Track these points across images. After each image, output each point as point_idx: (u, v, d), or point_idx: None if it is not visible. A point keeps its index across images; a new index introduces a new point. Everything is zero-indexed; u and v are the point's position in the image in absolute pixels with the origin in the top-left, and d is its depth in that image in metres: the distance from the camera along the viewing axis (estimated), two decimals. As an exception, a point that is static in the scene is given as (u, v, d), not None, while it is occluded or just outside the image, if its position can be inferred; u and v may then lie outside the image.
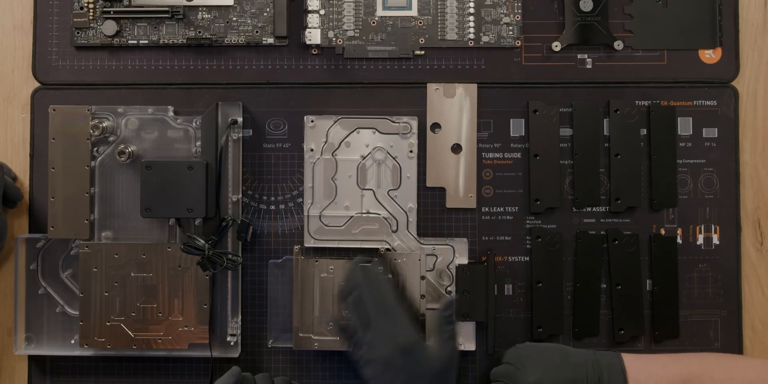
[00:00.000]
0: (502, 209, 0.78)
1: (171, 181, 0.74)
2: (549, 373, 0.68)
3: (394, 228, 0.76)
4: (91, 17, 0.78)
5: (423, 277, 0.75)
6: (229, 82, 0.78)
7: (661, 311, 0.77)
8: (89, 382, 0.78)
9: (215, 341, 0.76)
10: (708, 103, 0.78)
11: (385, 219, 0.76)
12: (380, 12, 0.78)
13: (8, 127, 0.79)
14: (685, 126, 0.78)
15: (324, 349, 0.76)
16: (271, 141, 0.78)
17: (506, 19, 0.78)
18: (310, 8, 0.77)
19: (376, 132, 0.77)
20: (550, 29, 0.78)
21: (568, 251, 0.77)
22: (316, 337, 0.75)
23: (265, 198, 0.78)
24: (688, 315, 0.77)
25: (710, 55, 0.78)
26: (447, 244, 0.76)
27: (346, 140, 0.77)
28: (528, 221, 0.78)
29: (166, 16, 0.77)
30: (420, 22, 0.78)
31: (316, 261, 0.76)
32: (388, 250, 0.75)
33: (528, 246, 0.77)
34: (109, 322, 0.75)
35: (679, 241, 0.77)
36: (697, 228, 0.78)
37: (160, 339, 0.75)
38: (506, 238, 0.78)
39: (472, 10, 0.78)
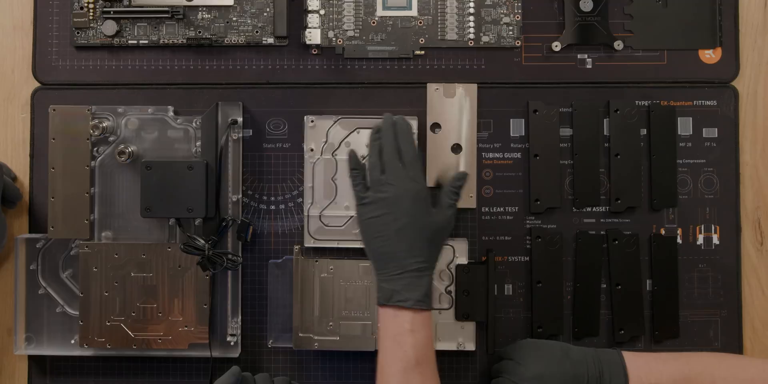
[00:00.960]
0: (502, 209, 0.78)
1: (171, 181, 0.74)
2: (550, 368, 0.68)
3: (394, 228, 0.76)
4: (91, 17, 0.78)
5: (423, 277, 0.75)
6: (229, 82, 0.78)
7: (661, 311, 0.77)
8: (89, 382, 0.78)
9: (215, 341, 0.76)
10: (708, 103, 0.78)
11: (385, 219, 0.76)
12: (380, 12, 0.78)
13: (8, 127, 0.79)
14: (685, 126, 0.78)
15: (324, 349, 0.76)
16: (271, 141, 0.78)
17: (506, 19, 0.78)
18: (310, 8, 0.77)
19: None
20: (550, 29, 0.78)
21: (568, 251, 0.77)
22: (316, 337, 0.75)
23: (265, 198, 0.78)
24: (688, 315, 0.77)
25: (710, 55, 0.78)
26: (447, 244, 0.76)
27: (346, 140, 0.77)
28: (528, 221, 0.78)
29: (166, 16, 0.77)
30: (420, 22, 0.78)
31: (316, 261, 0.76)
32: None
33: (528, 246, 0.77)
34: (109, 322, 0.75)
35: (679, 241, 0.77)
36: (697, 228, 0.78)
37: (160, 339, 0.75)
38: (506, 238, 0.78)
39: (472, 10, 0.78)
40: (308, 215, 0.77)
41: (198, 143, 0.76)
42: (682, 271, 0.77)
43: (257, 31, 0.78)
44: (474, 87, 0.78)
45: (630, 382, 0.67)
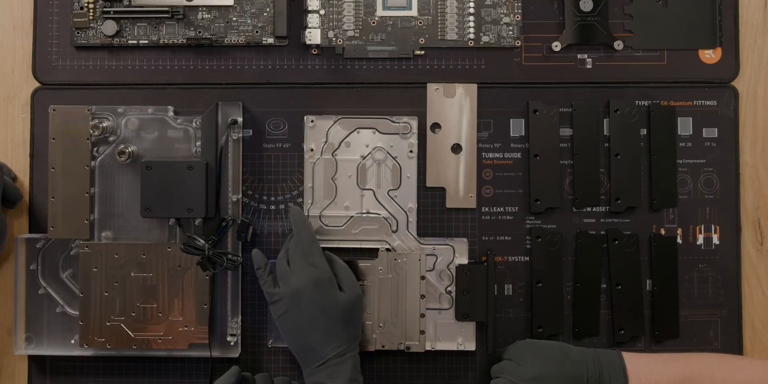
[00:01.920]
0: (502, 209, 0.78)
1: (171, 181, 0.74)
2: (549, 368, 0.68)
3: (394, 228, 0.76)
4: (91, 17, 0.78)
5: (423, 277, 0.75)
6: (229, 82, 0.78)
7: (661, 311, 0.77)
8: (89, 382, 0.78)
9: (215, 341, 0.76)
10: (708, 103, 0.78)
11: (385, 219, 0.76)
12: (380, 12, 0.78)
13: (8, 127, 0.79)
14: (685, 126, 0.78)
15: (324, 349, 0.75)
16: (271, 141, 0.78)
17: (506, 19, 0.78)
18: (310, 8, 0.77)
19: (376, 132, 0.77)
20: (550, 29, 0.78)
21: (568, 251, 0.77)
22: (316, 337, 0.75)
23: (265, 198, 0.78)
24: (688, 315, 0.77)
25: (710, 55, 0.78)
26: (447, 244, 0.76)
27: (346, 140, 0.77)
28: (528, 221, 0.78)
29: (166, 16, 0.77)
30: (420, 22, 0.78)
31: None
32: (388, 249, 0.75)
33: (528, 246, 0.77)
34: (109, 322, 0.75)
35: (679, 241, 0.77)
36: (697, 228, 0.78)
37: (160, 339, 0.75)
38: (506, 238, 0.78)
39: (472, 10, 0.78)
40: (308, 215, 0.77)
41: (198, 143, 0.76)
42: (682, 271, 0.77)
43: (257, 31, 0.78)
44: (474, 87, 0.78)
45: (630, 383, 0.67)
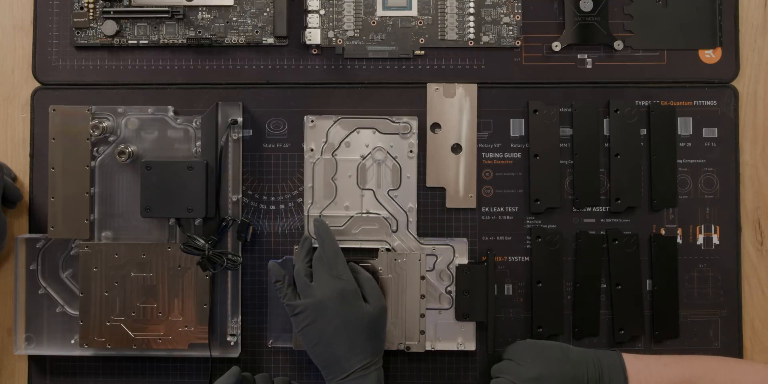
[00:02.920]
0: (502, 209, 0.78)
1: (171, 181, 0.74)
2: (549, 368, 0.68)
3: (394, 228, 0.76)
4: (91, 17, 0.78)
5: (423, 277, 0.75)
6: (229, 82, 0.78)
7: (661, 311, 0.77)
8: (89, 382, 0.78)
9: (215, 341, 0.76)
10: (708, 103, 0.78)
11: (385, 219, 0.76)
12: (380, 12, 0.78)
13: (8, 127, 0.79)
14: (685, 126, 0.78)
15: (324, 349, 0.75)
16: (271, 141, 0.78)
17: (506, 19, 0.78)
18: (310, 8, 0.77)
19: (376, 132, 0.77)
20: (550, 29, 0.78)
21: (568, 251, 0.77)
22: (316, 337, 0.75)
23: (265, 198, 0.78)
24: (688, 315, 0.77)
25: (710, 55, 0.78)
26: (447, 244, 0.76)
27: (346, 140, 0.77)
28: (528, 221, 0.78)
29: (166, 16, 0.77)
30: (420, 22, 0.78)
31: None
32: (388, 249, 0.75)
33: (528, 246, 0.77)
34: (109, 322, 0.75)
35: (679, 241, 0.77)
36: (697, 228, 0.78)
37: (160, 339, 0.75)
38: (506, 238, 0.78)
39: (472, 10, 0.78)
40: (308, 215, 0.77)
41: (198, 143, 0.76)
42: (682, 271, 0.77)
43: (257, 31, 0.78)
44: (474, 87, 0.78)
45: None
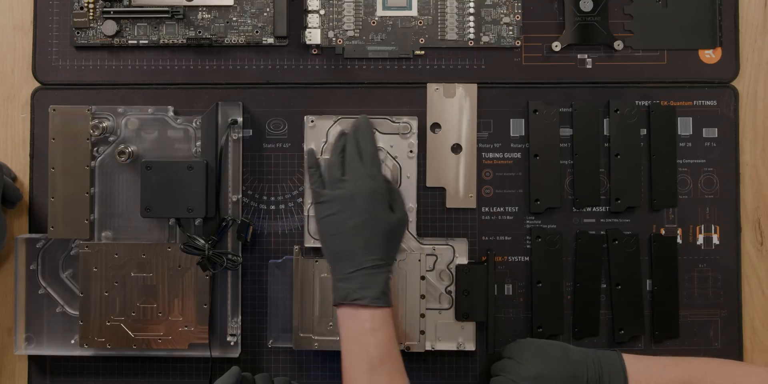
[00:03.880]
0: (502, 209, 0.78)
1: (171, 181, 0.74)
2: (549, 367, 0.68)
3: (394, 228, 0.76)
4: (91, 17, 0.78)
5: (423, 277, 0.75)
6: (229, 82, 0.78)
7: (661, 311, 0.77)
8: (89, 382, 0.78)
9: (215, 341, 0.76)
10: (708, 103, 0.78)
11: (385, 219, 0.76)
12: (380, 12, 0.78)
13: (8, 127, 0.79)
14: (685, 126, 0.78)
15: (324, 349, 0.75)
16: (271, 141, 0.78)
17: (506, 19, 0.78)
18: (310, 8, 0.77)
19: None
20: (550, 29, 0.78)
21: (568, 251, 0.77)
22: (316, 337, 0.75)
23: (265, 198, 0.78)
24: (688, 315, 0.77)
25: (710, 55, 0.78)
26: (447, 244, 0.76)
27: (346, 140, 0.77)
28: (528, 221, 0.78)
29: (166, 16, 0.77)
30: (420, 22, 0.78)
31: (316, 261, 0.76)
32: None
33: (528, 246, 0.77)
34: (109, 322, 0.75)
35: (679, 241, 0.77)
36: (697, 228, 0.78)
37: (160, 339, 0.75)
38: (506, 238, 0.78)
39: (472, 10, 0.78)
40: (308, 215, 0.77)
41: (198, 143, 0.76)
42: (682, 271, 0.77)
43: (257, 31, 0.78)
44: (474, 87, 0.78)
45: (629, 384, 0.67)
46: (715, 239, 0.78)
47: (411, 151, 0.77)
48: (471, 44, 0.78)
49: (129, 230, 0.77)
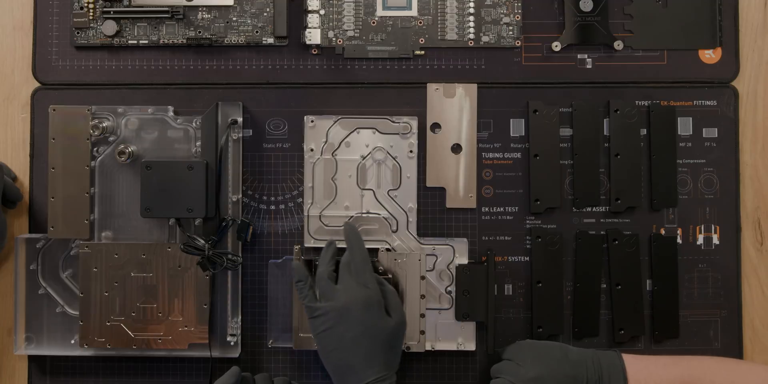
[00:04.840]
0: (502, 209, 0.78)
1: (171, 181, 0.74)
2: (549, 369, 0.68)
3: (394, 228, 0.76)
4: (91, 17, 0.78)
5: (423, 277, 0.75)
6: (229, 82, 0.78)
7: (661, 311, 0.77)
8: (89, 382, 0.78)
9: (215, 341, 0.76)
10: (708, 103, 0.78)
11: (385, 219, 0.76)
12: (380, 12, 0.78)
13: (8, 127, 0.79)
14: (685, 126, 0.78)
15: (324, 349, 0.75)
16: (271, 141, 0.78)
17: (506, 19, 0.78)
18: (310, 8, 0.77)
19: (376, 132, 0.77)
20: (550, 29, 0.78)
21: (568, 251, 0.77)
22: (316, 337, 0.75)
23: (265, 198, 0.78)
24: (688, 315, 0.77)
25: (710, 55, 0.78)
26: (447, 244, 0.76)
27: (346, 140, 0.77)
28: (528, 221, 0.78)
29: (166, 16, 0.77)
30: (420, 22, 0.78)
31: (316, 261, 0.76)
32: (388, 249, 0.75)
33: (528, 246, 0.77)
34: (109, 322, 0.75)
35: (679, 241, 0.77)
36: (697, 228, 0.78)
37: (160, 339, 0.75)
38: (506, 238, 0.78)
39: (472, 10, 0.78)
40: (308, 215, 0.77)
41: (198, 143, 0.76)
42: (682, 271, 0.77)
43: (257, 31, 0.78)
44: (474, 87, 0.78)
45: (629, 384, 0.67)
46: (715, 239, 0.78)
47: (411, 151, 0.77)
48: (471, 44, 0.78)
49: (129, 230, 0.77)
